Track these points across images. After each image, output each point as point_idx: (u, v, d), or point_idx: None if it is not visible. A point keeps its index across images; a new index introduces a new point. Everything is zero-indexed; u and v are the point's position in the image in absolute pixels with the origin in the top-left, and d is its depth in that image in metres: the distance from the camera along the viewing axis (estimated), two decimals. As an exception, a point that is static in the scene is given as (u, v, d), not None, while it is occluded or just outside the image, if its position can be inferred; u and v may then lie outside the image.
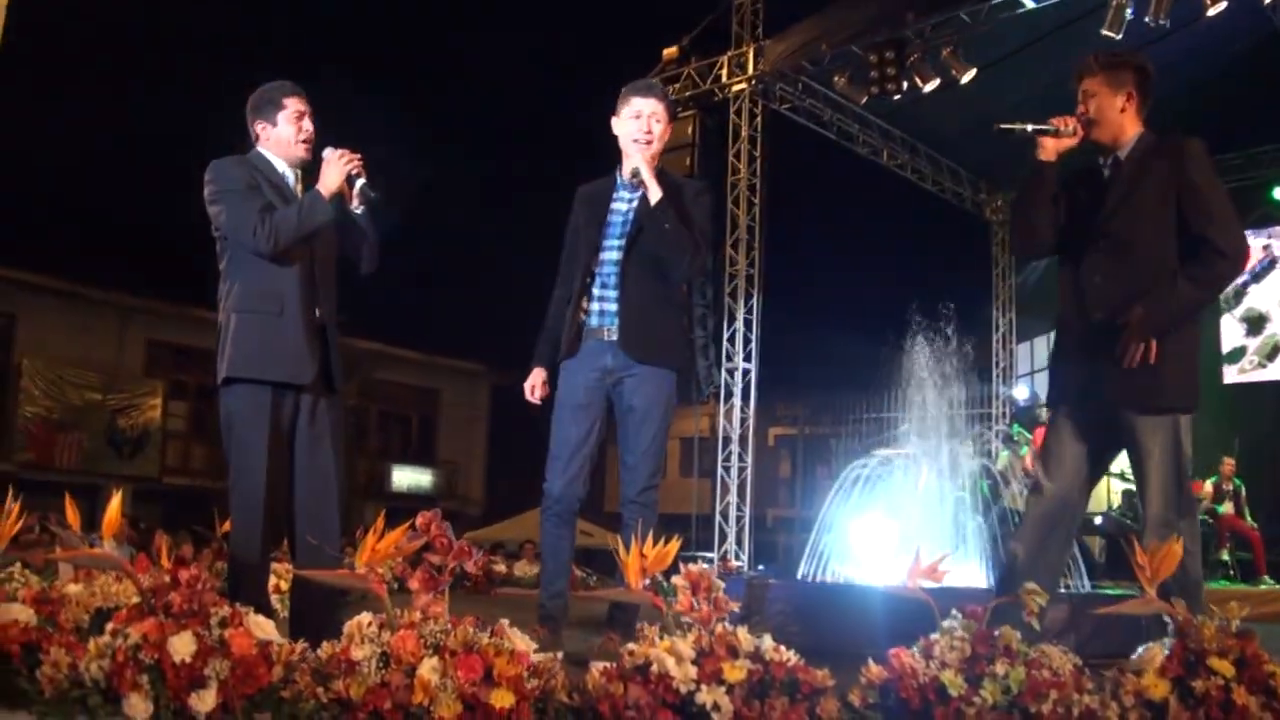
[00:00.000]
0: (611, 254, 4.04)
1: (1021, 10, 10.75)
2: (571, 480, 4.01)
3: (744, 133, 12.96)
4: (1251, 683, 2.52)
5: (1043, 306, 15.61)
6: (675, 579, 2.58)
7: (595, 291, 4.06)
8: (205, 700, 2.32)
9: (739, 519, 12.90)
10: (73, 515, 3.17)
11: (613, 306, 4.01)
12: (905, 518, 9.48)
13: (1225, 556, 10.92)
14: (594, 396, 4.02)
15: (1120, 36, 10.02)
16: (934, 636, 2.57)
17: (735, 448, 12.95)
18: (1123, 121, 3.57)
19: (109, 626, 2.43)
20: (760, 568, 12.60)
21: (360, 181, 3.72)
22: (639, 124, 4.05)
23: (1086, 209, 3.57)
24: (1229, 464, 11.43)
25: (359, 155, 3.70)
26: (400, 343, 25.31)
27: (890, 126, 14.19)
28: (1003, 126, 3.71)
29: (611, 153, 4.21)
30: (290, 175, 3.82)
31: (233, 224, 3.63)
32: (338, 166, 3.69)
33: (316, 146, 3.81)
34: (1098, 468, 3.64)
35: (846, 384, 19.74)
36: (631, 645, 2.46)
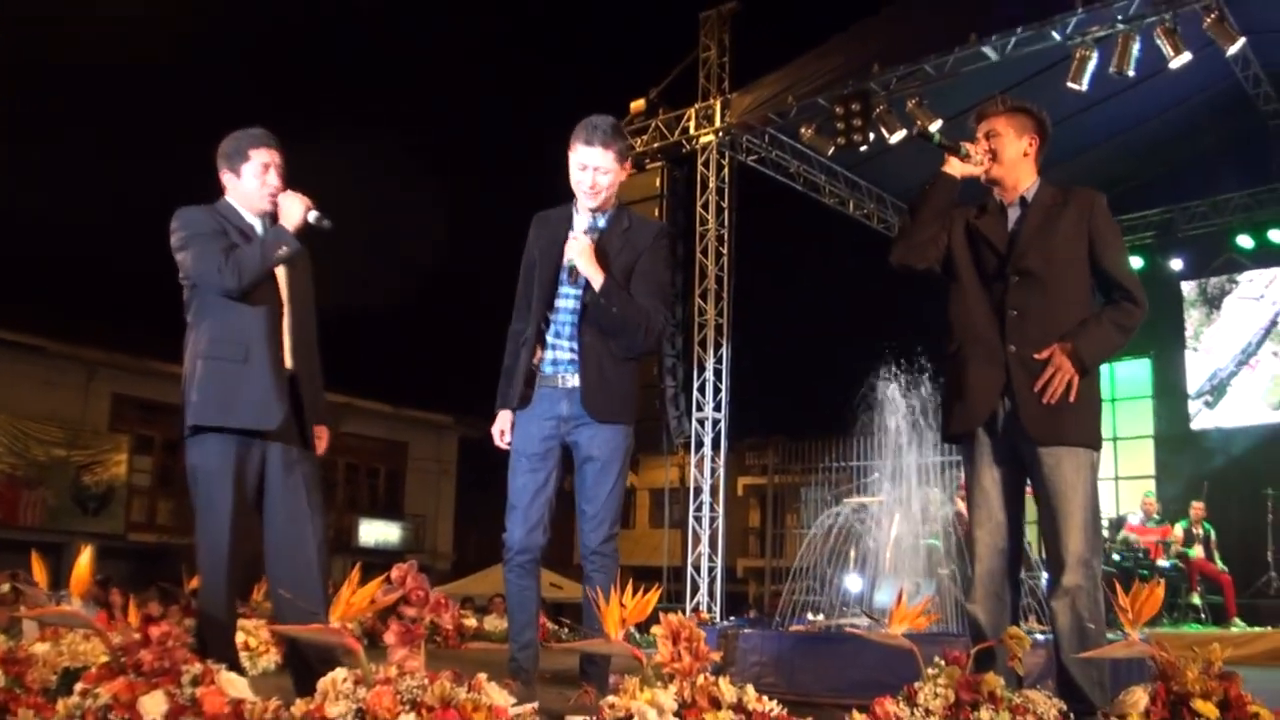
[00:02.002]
0: (568, 301, 3.96)
1: (986, 63, 10.90)
2: (531, 529, 3.93)
3: (712, 184, 13.06)
4: (1235, 724, 2.52)
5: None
6: (655, 629, 2.55)
7: (549, 339, 3.98)
8: (177, 760, 2.27)
9: (710, 570, 12.84)
10: (39, 573, 3.11)
11: (566, 355, 3.94)
12: (879, 565, 9.48)
13: (1196, 600, 10.94)
14: (550, 445, 3.94)
15: (1085, 88, 10.18)
16: (917, 684, 2.55)
17: (706, 498, 12.92)
18: (1024, 165, 3.61)
19: (78, 687, 2.38)
20: (732, 619, 12.52)
21: (314, 213, 3.73)
22: (585, 177, 3.95)
23: (991, 242, 3.58)
24: (1198, 508, 11.49)
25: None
26: (367, 395, 25.14)
27: (856, 177, 14.34)
28: (919, 130, 3.76)
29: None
30: (258, 225, 3.79)
31: (198, 266, 3.60)
32: (296, 200, 3.71)
33: None
34: (1023, 505, 3.59)
35: (815, 432, 19.72)
36: (612, 698, 2.42)
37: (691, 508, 13.00)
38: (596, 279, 3.84)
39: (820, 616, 9.22)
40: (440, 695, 2.34)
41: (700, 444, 12.94)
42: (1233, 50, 10.17)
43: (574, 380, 3.90)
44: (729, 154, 13.21)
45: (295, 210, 3.70)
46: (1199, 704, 2.55)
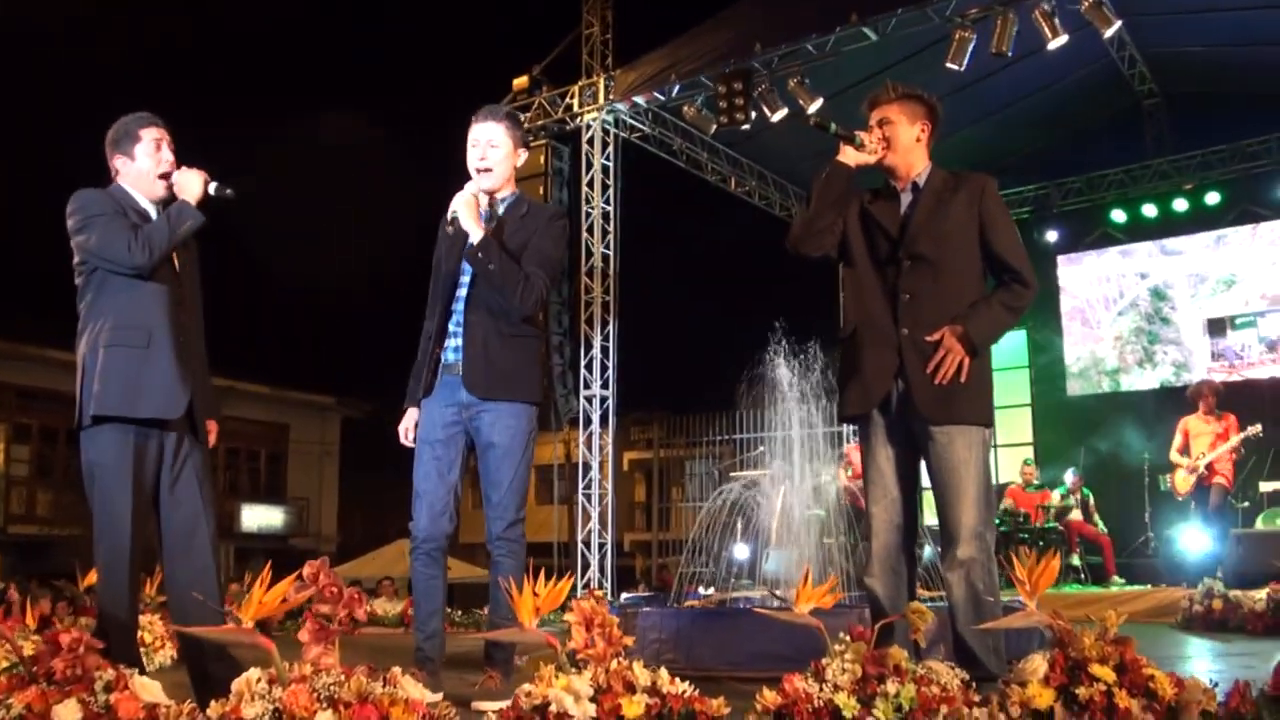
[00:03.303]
0: (463, 289, 4.01)
1: (866, 43, 11.08)
2: (437, 517, 3.94)
3: (596, 161, 13.04)
4: (1132, 686, 2.64)
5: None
6: (568, 615, 2.58)
7: (451, 327, 4.02)
8: (90, 769, 2.23)
9: (601, 545, 12.91)
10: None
11: (461, 342, 3.98)
12: (766, 537, 9.64)
13: (1076, 561, 11.36)
14: (452, 431, 3.96)
15: (963, 68, 10.41)
16: (824, 660, 2.63)
17: (595, 474, 12.97)
18: (917, 151, 3.72)
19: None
20: (625, 596, 12.62)
21: (214, 184, 3.68)
22: (475, 152, 4.02)
23: (884, 227, 3.69)
24: (1075, 478, 11.97)
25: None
26: (247, 377, 24.57)
27: (738, 155, 14.47)
28: (814, 121, 3.85)
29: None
30: (152, 210, 3.70)
31: (102, 243, 3.50)
32: (194, 174, 3.66)
33: None
34: (917, 480, 3.73)
35: (700, 407, 19.93)
36: (528, 686, 2.44)
37: (581, 484, 13.04)
38: (476, 233, 3.88)
39: (712, 590, 9.35)
40: (357, 691, 2.33)
41: (589, 421, 12.98)
42: (1109, 33, 10.46)
43: (462, 363, 3.92)
44: (613, 131, 13.21)
45: (194, 184, 3.65)
46: (1096, 668, 2.66)
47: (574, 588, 11.45)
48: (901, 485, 3.66)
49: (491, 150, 4.01)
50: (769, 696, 2.57)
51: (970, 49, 10.35)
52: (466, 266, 3.98)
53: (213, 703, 2.37)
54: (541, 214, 4.17)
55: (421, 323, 4.14)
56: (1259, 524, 10.01)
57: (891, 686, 2.54)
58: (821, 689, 2.54)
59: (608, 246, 13.09)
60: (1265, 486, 10.78)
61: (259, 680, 2.37)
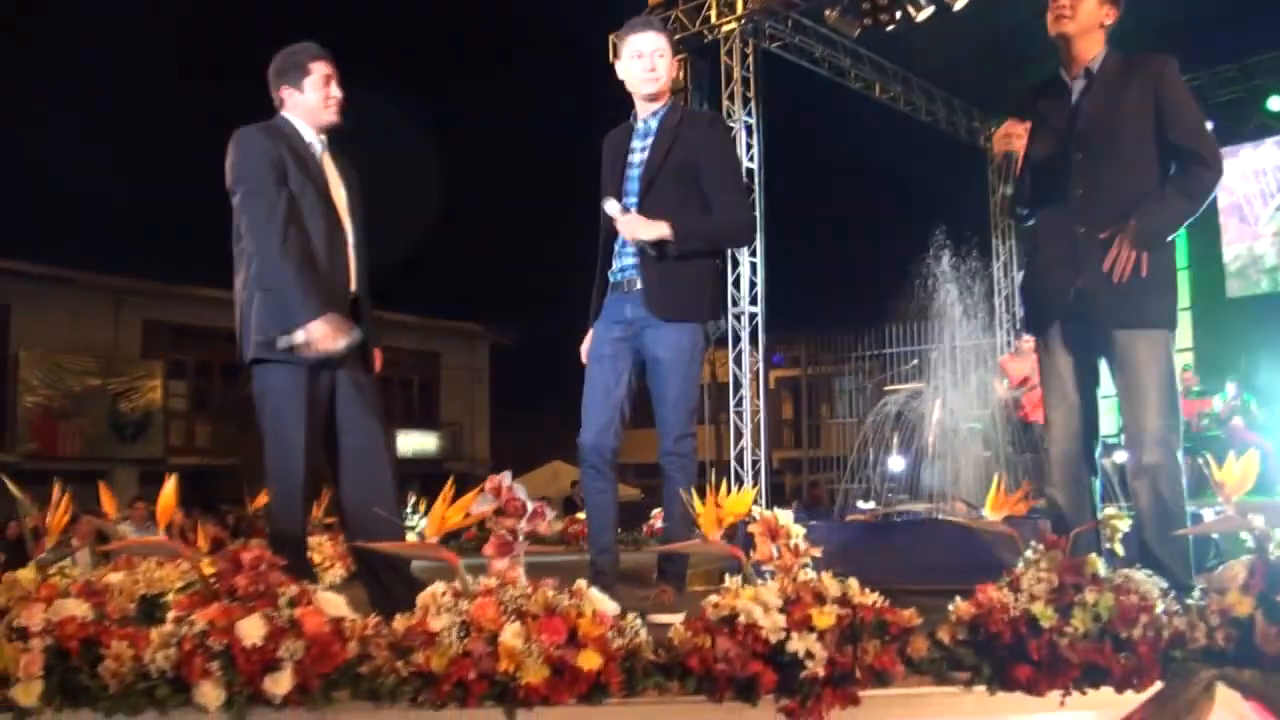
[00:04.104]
0: (633, 208, 3.92)
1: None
2: (601, 430, 3.92)
3: (736, 74, 12.77)
4: (1339, 595, 2.47)
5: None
6: (751, 527, 2.52)
7: (616, 247, 3.99)
8: (281, 683, 2.26)
9: (754, 463, 12.87)
10: (108, 502, 3.11)
11: (630, 260, 3.92)
12: (927, 453, 9.47)
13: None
14: (619, 348, 3.93)
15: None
16: (1018, 569, 2.51)
17: (746, 392, 12.89)
18: (1096, 35, 3.47)
19: (170, 614, 2.36)
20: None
21: (346, 340, 3.53)
22: (642, 64, 3.93)
23: (1057, 123, 3.47)
24: (1234, 385, 11.44)
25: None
26: (396, 307, 25.16)
27: (883, 60, 14.00)
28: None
29: (614, 100, 4.11)
30: (317, 143, 3.70)
31: (250, 227, 3.50)
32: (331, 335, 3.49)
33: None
34: (1097, 386, 3.54)
35: (845, 322, 19.65)
36: (714, 597, 2.39)
37: (732, 403, 12.98)
38: (665, 232, 3.78)
39: (871, 503, 9.25)
40: (544, 603, 2.32)
41: (737, 339, 12.87)
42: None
43: (639, 283, 3.88)
44: (752, 41, 12.88)
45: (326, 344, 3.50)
46: (1300, 573, 2.50)
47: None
48: (1080, 390, 3.48)
49: (659, 60, 3.94)
50: (963, 607, 2.48)
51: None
52: (630, 187, 3.92)
53: (398, 616, 2.39)
54: (700, 121, 4.08)
55: (593, 244, 4.12)
56: None
57: (1090, 595, 2.42)
58: (1017, 599, 2.44)
59: (751, 160, 12.83)
60: None
61: (444, 593, 2.38)
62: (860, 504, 9.32)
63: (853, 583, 2.40)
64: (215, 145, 3.64)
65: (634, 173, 3.95)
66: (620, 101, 4.12)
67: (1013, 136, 3.44)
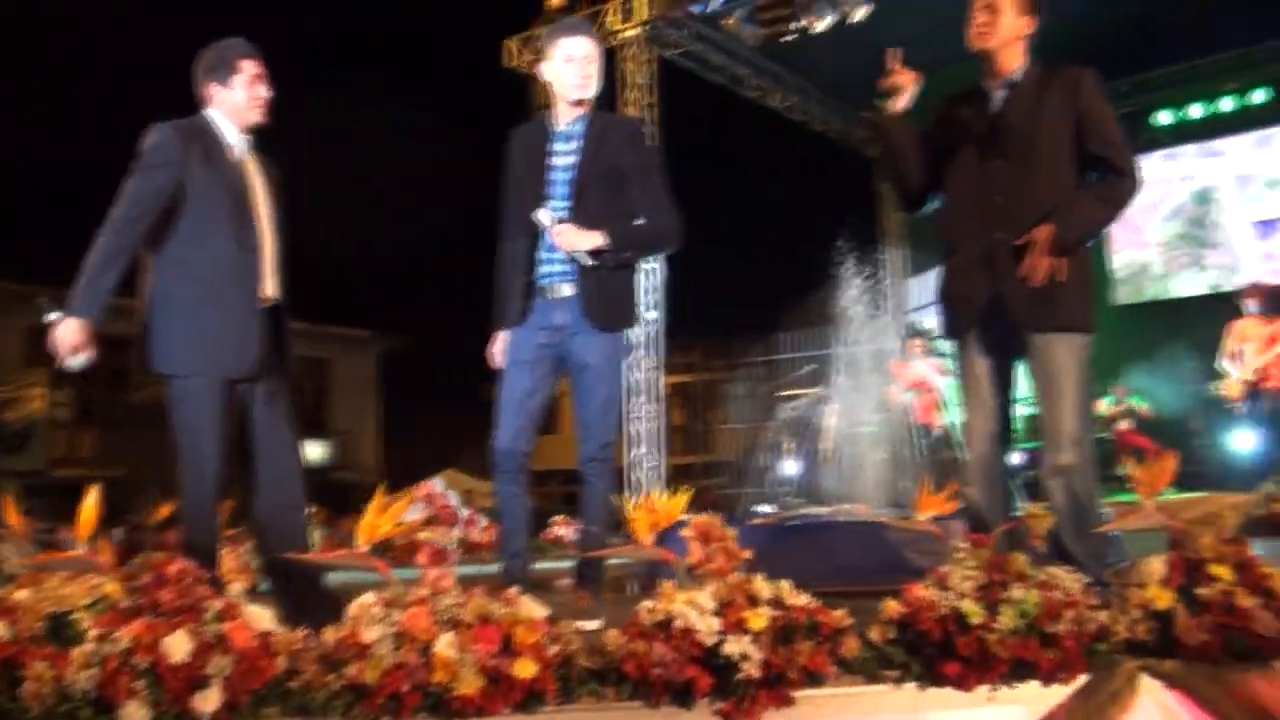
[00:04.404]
0: (559, 214, 3.85)
1: (910, -57, 10.74)
2: (516, 435, 3.88)
3: (637, 80, 12.82)
4: (1251, 586, 2.58)
5: (932, 240, 15.92)
6: (684, 531, 2.52)
7: (542, 253, 3.90)
8: (209, 700, 2.19)
9: (652, 469, 12.91)
10: (11, 515, 2.98)
11: (560, 267, 3.86)
12: (823, 457, 9.62)
13: (1126, 470, 11.23)
14: (541, 354, 3.89)
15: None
16: (945, 568, 2.56)
17: (644, 398, 12.93)
18: (1017, 47, 3.55)
19: (92, 632, 2.27)
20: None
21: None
22: (575, 68, 3.84)
23: (978, 129, 3.54)
24: (1121, 388, 11.84)
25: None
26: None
27: (780, 70, 14.17)
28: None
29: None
30: (239, 143, 3.61)
31: (112, 207, 3.40)
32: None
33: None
34: (1013, 389, 3.63)
35: (737, 328, 19.86)
36: (648, 602, 2.39)
37: (629, 409, 13.01)
38: (599, 241, 3.76)
39: (770, 507, 9.34)
40: (478, 612, 2.29)
41: (636, 345, 12.91)
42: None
43: (567, 290, 3.82)
44: (653, 49, 12.94)
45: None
46: (1215, 568, 2.60)
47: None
48: (997, 394, 3.56)
49: (591, 66, 3.89)
50: (893, 606, 2.52)
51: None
52: (556, 191, 3.88)
53: (328, 629, 2.33)
54: (623, 127, 4.08)
55: (493, 244, 4.06)
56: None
57: (1017, 592, 2.48)
58: (945, 597, 2.48)
59: (650, 167, 12.88)
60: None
61: (375, 604, 2.33)
62: (759, 508, 9.41)
63: (785, 584, 2.42)
64: (106, 145, 3.52)
65: (560, 177, 3.89)
66: (501, 104, 4.10)
67: (903, 81, 3.56)
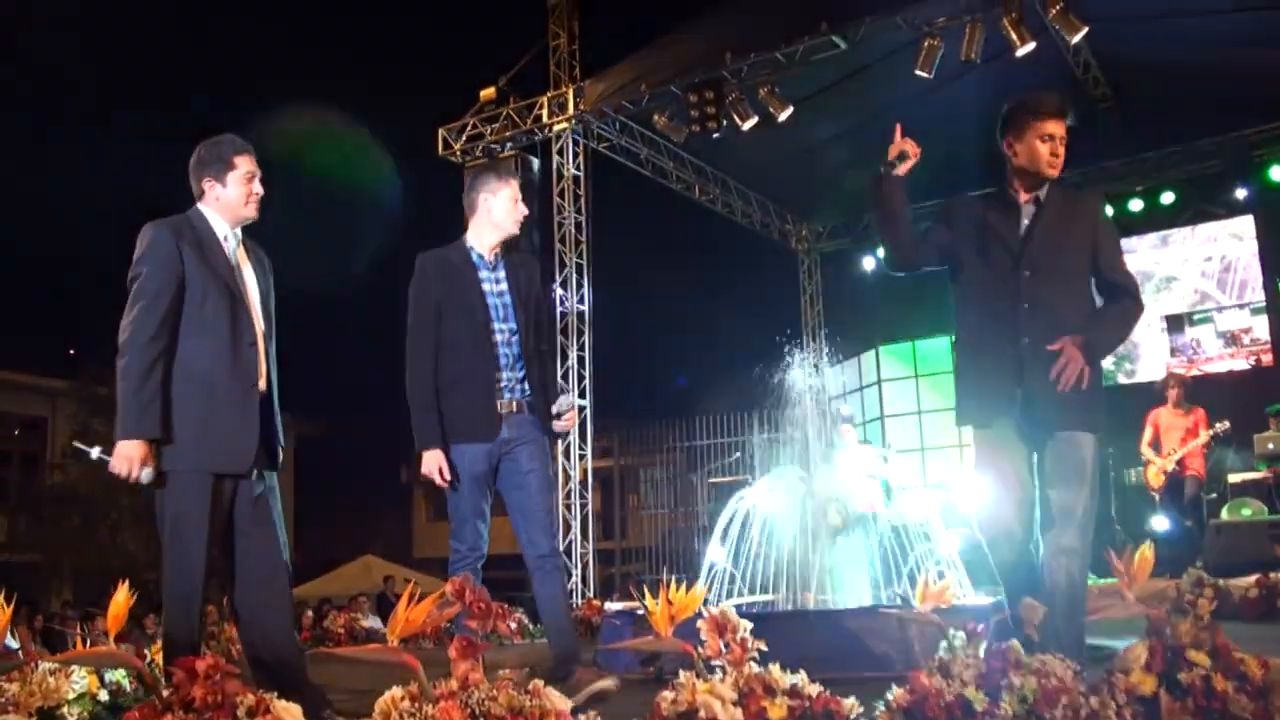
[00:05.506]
0: (503, 335, 4.29)
1: (836, 51, 11.17)
2: (476, 542, 4.23)
3: (568, 171, 13.04)
4: (1226, 670, 2.73)
5: (857, 327, 16.30)
6: (700, 623, 2.60)
7: (504, 373, 4.29)
8: (241, 794, 2.20)
9: (583, 555, 12.89)
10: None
11: (515, 389, 4.29)
12: (760, 542, 9.68)
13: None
14: (492, 463, 4.24)
15: (931, 75, 10.53)
16: (946, 656, 2.67)
17: (575, 485, 12.94)
18: None
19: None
20: (614, 604, 12.60)
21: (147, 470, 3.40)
22: (520, 208, 4.40)
23: (1005, 239, 3.79)
24: None
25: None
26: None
27: (703, 163, 14.54)
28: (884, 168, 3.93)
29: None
30: (232, 237, 3.64)
31: (128, 325, 3.41)
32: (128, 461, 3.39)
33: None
34: (1034, 477, 3.80)
35: (653, 415, 19.97)
36: (669, 693, 2.46)
37: (560, 495, 13.00)
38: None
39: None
40: (509, 704, 2.33)
41: (567, 432, 12.93)
42: (1076, 39, 10.52)
43: (513, 406, 4.23)
44: (583, 141, 13.20)
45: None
46: (1193, 654, 2.75)
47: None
48: (1024, 487, 3.73)
49: (525, 206, 4.44)
50: (900, 694, 2.61)
51: (939, 56, 10.47)
52: (496, 315, 4.28)
53: (358, 723, 2.36)
54: (530, 261, 4.55)
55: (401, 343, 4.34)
56: (1224, 514, 10.17)
57: (1015, 679, 2.59)
58: (949, 684, 2.59)
59: (580, 256, 13.08)
60: (1234, 479, 10.96)
61: (403, 698, 2.36)
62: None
63: (802, 675, 2.51)
64: (32, 225, 3.51)
65: (500, 302, 4.32)
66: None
67: (908, 149, 3.81)
